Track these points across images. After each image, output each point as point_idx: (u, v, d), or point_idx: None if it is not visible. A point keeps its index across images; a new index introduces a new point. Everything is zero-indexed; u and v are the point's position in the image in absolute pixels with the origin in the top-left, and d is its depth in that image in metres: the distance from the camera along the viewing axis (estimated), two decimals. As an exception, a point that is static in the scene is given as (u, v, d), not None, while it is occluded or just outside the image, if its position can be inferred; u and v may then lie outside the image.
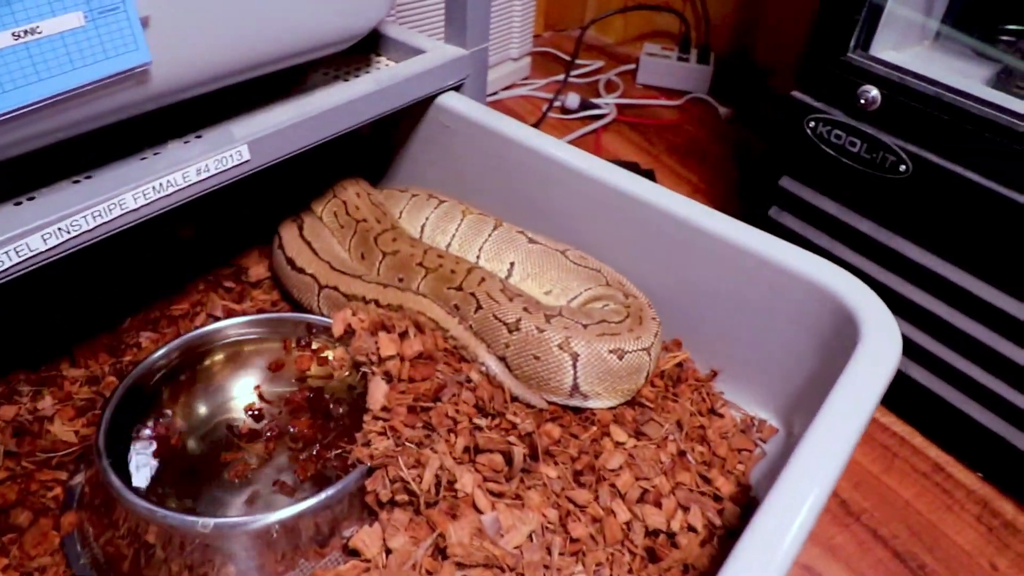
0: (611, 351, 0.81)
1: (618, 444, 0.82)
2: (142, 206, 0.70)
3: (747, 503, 0.80)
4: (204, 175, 0.75)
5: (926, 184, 0.96)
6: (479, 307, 0.85)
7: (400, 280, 0.94)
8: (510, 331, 0.82)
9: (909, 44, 1.08)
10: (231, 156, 0.77)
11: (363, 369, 0.78)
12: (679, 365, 0.94)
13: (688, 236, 0.87)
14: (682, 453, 0.83)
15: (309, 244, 1.00)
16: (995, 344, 0.95)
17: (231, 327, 0.88)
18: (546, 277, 0.94)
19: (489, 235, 0.99)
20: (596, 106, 1.71)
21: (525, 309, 0.83)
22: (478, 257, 0.98)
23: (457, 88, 1.07)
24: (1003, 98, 0.91)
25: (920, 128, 0.96)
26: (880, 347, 0.70)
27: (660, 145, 1.65)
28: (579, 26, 1.84)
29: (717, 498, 0.81)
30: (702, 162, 1.62)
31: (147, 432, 0.78)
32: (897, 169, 0.98)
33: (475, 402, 0.78)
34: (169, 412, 0.81)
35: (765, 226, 1.15)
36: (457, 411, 0.76)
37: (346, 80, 0.96)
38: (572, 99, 1.70)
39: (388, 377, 0.76)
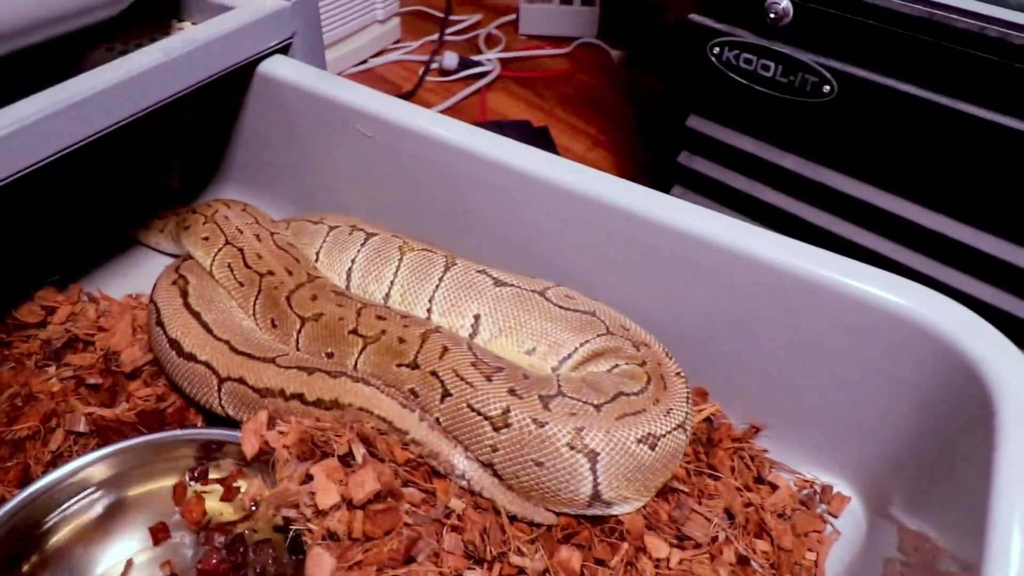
0: (640, 440, 0.58)
1: (659, 563, 0.60)
2: None
3: (837, 617, 0.60)
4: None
5: (855, 105, 0.81)
6: (446, 393, 0.61)
7: (329, 356, 0.69)
8: (496, 428, 0.58)
9: (820, -58, 0.91)
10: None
11: (295, 527, 0.53)
12: (708, 421, 0.73)
13: (713, 259, 0.65)
14: (743, 560, 0.62)
15: (198, 317, 0.73)
16: (950, 280, 0.81)
17: (91, 465, 0.61)
18: (525, 331, 0.70)
19: (440, 279, 0.74)
20: (477, 63, 1.59)
21: (512, 392, 0.60)
22: (429, 311, 0.74)
23: (283, 50, 0.84)
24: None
25: (842, 39, 0.79)
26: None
27: (551, 98, 1.52)
28: (450, -22, 1.64)
29: (798, 616, 0.60)
30: (599, 112, 1.48)
31: None
32: (820, 91, 0.83)
33: (464, 548, 0.54)
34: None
35: (676, 174, 1.01)
36: (441, 570, 0.52)
37: (135, 55, 0.72)
38: (450, 58, 1.56)
39: (333, 538, 0.51)
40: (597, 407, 0.59)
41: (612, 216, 0.68)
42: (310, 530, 0.52)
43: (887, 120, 0.79)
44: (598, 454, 0.57)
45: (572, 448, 0.57)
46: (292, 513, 0.52)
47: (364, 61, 1.58)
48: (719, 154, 0.98)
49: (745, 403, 0.73)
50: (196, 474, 0.64)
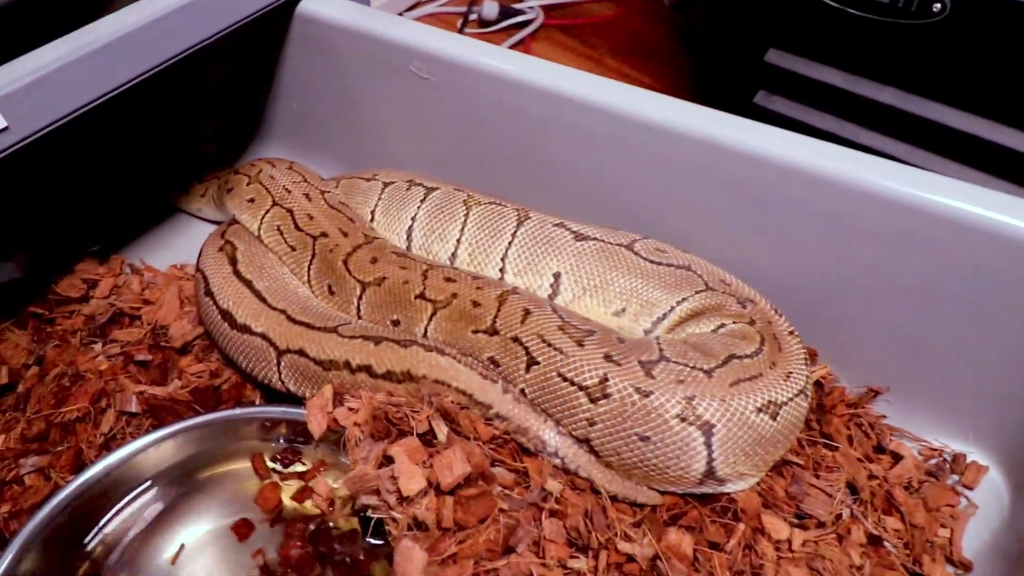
0: (760, 408, 0.51)
1: (780, 545, 0.53)
2: None
3: (986, 603, 0.53)
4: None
5: (971, 24, 0.71)
6: (532, 361, 0.54)
7: (395, 324, 0.63)
8: (593, 399, 0.51)
9: None
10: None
11: (375, 515, 0.47)
12: (818, 384, 0.65)
13: (829, 198, 0.57)
14: (875, 540, 0.55)
15: (250, 285, 0.67)
16: None
17: (151, 447, 0.56)
18: (613, 290, 0.63)
19: (513, 235, 0.67)
20: (519, 12, 1.48)
21: (608, 358, 0.52)
22: (502, 271, 0.66)
23: None
24: None
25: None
26: None
27: (600, 47, 1.41)
28: (483, -79, 1.52)
29: (941, 603, 0.53)
30: (651, 58, 1.38)
31: None
32: (928, 10, 0.73)
33: (566, 535, 0.48)
34: None
35: (749, 117, 0.94)
36: (544, 562, 0.45)
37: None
38: (490, 8, 1.46)
39: (421, 528, 0.45)
40: (708, 372, 0.52)
41: (710, 154, 0.60)
42: (394, 519, 0.46)
43: (1010, 40, 0.69)
44: (713, 426, 0.50)
45: (683, 420, 0.50)
46: (372, 500, 0.46)
47: (399, 15, 1.50)
48: (803, 91, 0.89)
49: (860, 363, 0.65)
50: (281, 457, 0.58)
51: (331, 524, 0.54)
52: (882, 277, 0.59)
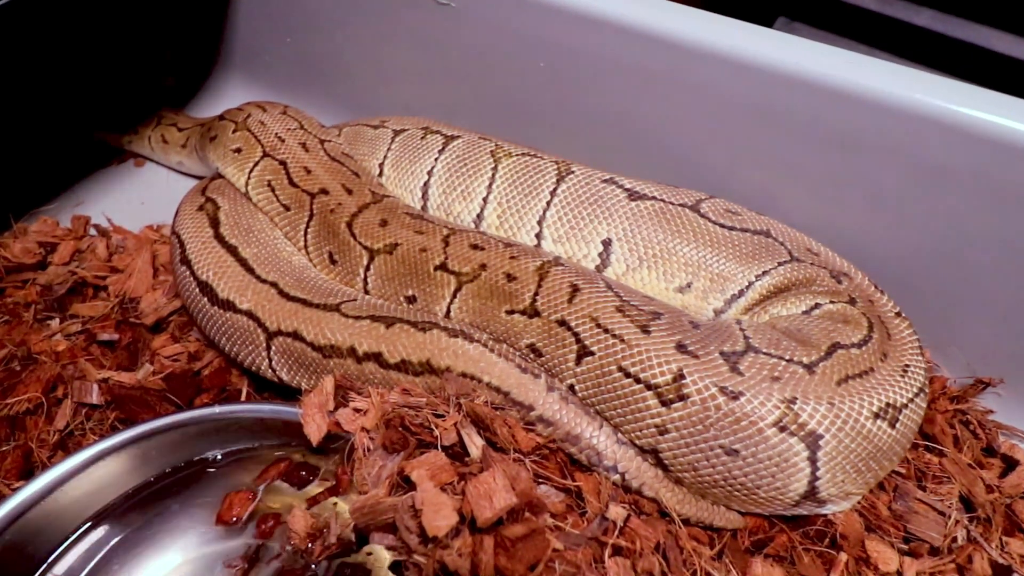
0: (876, 414, 0.40)
1: (890, 578, 0.43)
2: None
3: None
4: None
5: None
6: (584, 351, 0.43)
7: (411, 301, 0.52)
8: (664, 401, 0.41)
9: None
10: None
11: (392, 557, 0.36)
12: (913, 375, 0.55)
13: (937, 146, 0.46)
14: (1002, 572, 0.45)
15: (235, 252, 0.57)
16: None
17: (108, 455, 0.45)
18: (676, 260, 0.52)
19: (552, 192, 0.55)
20: None
21: (682, 348, 0.42)
22: (538, 236, 0.55)
23: None
24: None
25: None
26: None
27: None
28: None
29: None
30: None
31: None
32: None
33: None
34: None
35: None
36: (610, 617, 0.35)
37: None
38: None
39: (453, 577, 0.35)
40: (808, 367, 0.41)
41: (793, 91, 0.49)
42: (416, 565, 0.35)
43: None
44: (820, 437, 0.39)
45: (782, 429, 0.39)
46: (387, 540, 0.36)
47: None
48: (828, 16, 0.80)
49: (965, 349, 0.55)
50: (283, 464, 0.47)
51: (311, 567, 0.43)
52: (997, 243, 0.50)
